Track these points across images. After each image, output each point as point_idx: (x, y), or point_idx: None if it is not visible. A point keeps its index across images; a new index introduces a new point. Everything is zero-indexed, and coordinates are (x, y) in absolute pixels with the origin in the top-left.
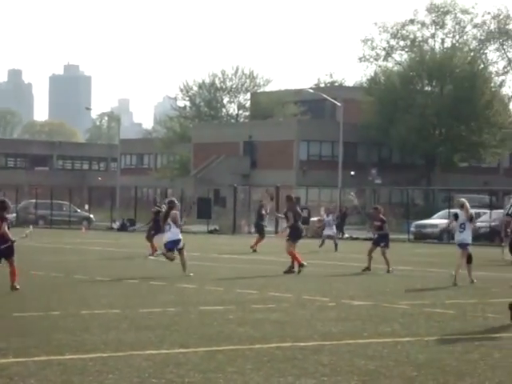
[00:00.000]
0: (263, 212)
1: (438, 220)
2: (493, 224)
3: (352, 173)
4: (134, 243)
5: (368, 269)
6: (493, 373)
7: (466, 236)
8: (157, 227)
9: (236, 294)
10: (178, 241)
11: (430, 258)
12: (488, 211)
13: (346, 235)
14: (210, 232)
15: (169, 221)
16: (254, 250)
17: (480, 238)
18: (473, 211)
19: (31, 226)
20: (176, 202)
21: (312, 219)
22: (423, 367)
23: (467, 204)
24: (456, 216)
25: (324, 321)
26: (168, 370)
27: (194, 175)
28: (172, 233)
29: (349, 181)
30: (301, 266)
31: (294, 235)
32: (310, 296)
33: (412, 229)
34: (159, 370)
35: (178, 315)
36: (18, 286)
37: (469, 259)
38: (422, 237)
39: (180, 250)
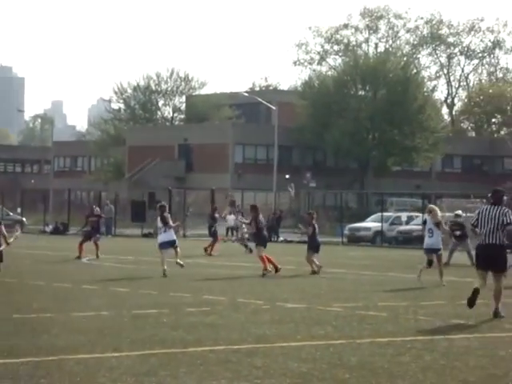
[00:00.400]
0: (216, 215)
1: (371, 223)
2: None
3: (287, 176)
4: (66, 247)
5: (315, 272)
6: (424, 375)
7: (435, 241)
8: (95, 231)
9: (170, 297)
10: (174, 241)
11: (363, 261)
12: (420, 215)
13: (281, 238)
14: (145, 235)
15: (160, 223)
16: (210, 254)
17: (412, 240)
18: (441, 216)
19: (19, 230)
20: (165, 204)
21: (246, 222)
22: (355, 369)
23: (436, 210)
24: (424, 222)
25: (258, 323)
26: (100, 374)
27: (129, 178)
28: (166, 234)
29: (284, 184)
30: (265, 270)
31: (262, 241)
32: (244, 299)
33: (345, 232)
34: (91, 374)
35: (111, 319)
36: None
37: (429, 263)
38: (355, 240)
39: (175, 249)
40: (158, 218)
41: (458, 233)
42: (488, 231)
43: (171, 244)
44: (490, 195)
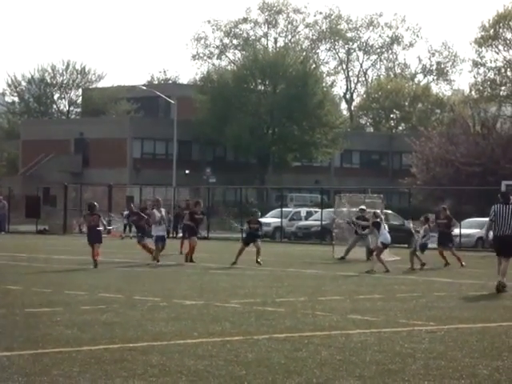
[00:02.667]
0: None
1: (271, 219)
2: (324, 223)
3: (186, 171)
4: None
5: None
6: (320, 370)
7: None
8: None
9: (64, 295)
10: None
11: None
12: (319, 210)
13: (180, 234)
14: (39, 232)
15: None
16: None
17: (311, 236)
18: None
19: None
20: (160, 200)
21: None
22: (252, 366)
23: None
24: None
25: (154, 321)
26: None
27: (23, 173)
28: (156, 230)
29: (183, 179)
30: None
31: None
32: (141, 296)
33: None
34: None
35: (3, 317)
36: None
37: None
38: None
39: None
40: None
41: (366, 231)
42: (505, 225)
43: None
44: (500, 196)
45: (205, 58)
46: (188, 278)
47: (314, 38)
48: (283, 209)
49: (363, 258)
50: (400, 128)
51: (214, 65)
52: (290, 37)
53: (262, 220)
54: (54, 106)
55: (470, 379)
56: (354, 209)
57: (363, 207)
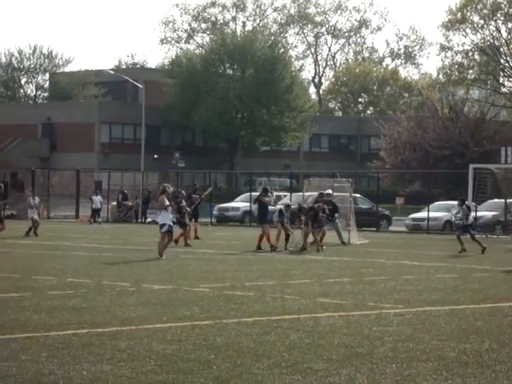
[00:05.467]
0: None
1: (240, 203)
2: (293, 207)
3: (155, 156)
4: None
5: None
6: (289, 353)
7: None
8: None
9: (32, 280)
10: (163, 225)
11: (231, 241)
12: (288, 194)
13: (149, 219)
14: (7, 217)
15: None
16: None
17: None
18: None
19: None
20: (167, 187)
21: (113, 203)
22: (220, 350)
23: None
24: None
25: (123, 306)
26: None
27: None
28: (162, 216)
29: (152, 164)
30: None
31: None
32: (109, 281)
33: (214, 212)
34: None
35: None
36: None
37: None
38: (224, 220)
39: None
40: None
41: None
42: None
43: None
44: None
45: (173, 42)
46: (157, 263)
47: (283, 21)
48: (252, 193)
49: (334, 242)
50: (368, 112)
51: (182, 49)
52: (258, 21)
53: (231, 204)
54: (22, 91)
55: (437, 362)
56: (316, 193)
57: (329, 191)
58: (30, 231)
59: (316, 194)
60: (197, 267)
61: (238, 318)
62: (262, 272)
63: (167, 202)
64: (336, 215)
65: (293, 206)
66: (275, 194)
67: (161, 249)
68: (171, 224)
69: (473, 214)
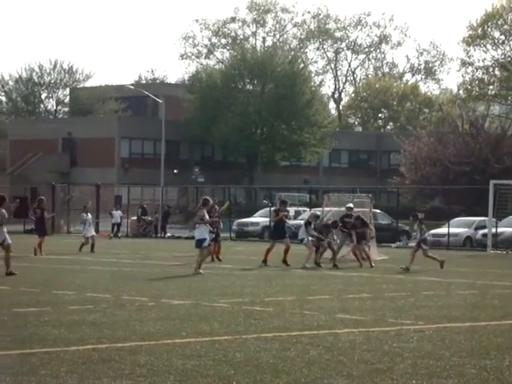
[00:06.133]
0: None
1: (260, 218)
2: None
3: (175, 171)
4: None
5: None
6: (309, 369)
7: None
8: None
9: (52, 295)
10: (203, 240)
11: (251, 256)
12: (308, 209)
13: (169, 234)
14: (27, 232)
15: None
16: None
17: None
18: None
19: None
20: (208, 199)
21: (132, 218)
22: (240, 365)
23: None
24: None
25: (143, 321)
26: None
27: (10, 173)
28: (200, 231)
29: (172, 179)
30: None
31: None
32: (129, 296)
33: (234, 227)
34: None
35: None
36: None
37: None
38: (243, 235)
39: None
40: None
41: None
42: None
43: (201, 242)
44: None
45: (193, 57)
46: (176, 278)
47: (303, 37)
48: (271, 208)
49: (352, 257)
50: (388, 127)
51: (202, 64)
52: (278, 36)
53: (251, 219)
54: (42, 106)
55: (457, 378)
56: (342, 208)
57: (350, 205)
58: (82, 247)
59: (335, 209)
60: (216, 282)
61: (258, 334)
62: (282, 287)
63: (207, 216)
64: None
65: (329, 221)
66: (293, 209)
67: (199, 264)
68: (209, 238)
69: (429, 231)
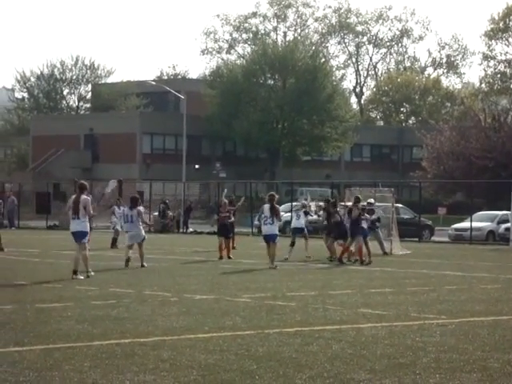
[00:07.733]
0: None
1: (282, 213)
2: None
3: (196, 166)
4: None
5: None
6: (331, 364)
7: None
8: None
9: (75, 290)
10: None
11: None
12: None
13: (191, 229)
14: (50, 227)
15: (268, 213)
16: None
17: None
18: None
19: None
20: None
21: (154, 214)
22: (263, 360)
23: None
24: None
25: (165, 316)
26: (2, 369)
27: (33, 169)
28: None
29: (193, 174)
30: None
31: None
32: (151, 291)
33: (256, 222)
34: None
35: (14, 313)
36: None
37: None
38: None
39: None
40: (268, 207)
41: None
42: None
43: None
44: None
45: (214, 52)
46: (198, 273)
47: (324, 31)
48: (293, 203)
49: (375, 252)
50: (410, 121)
51: (223, 59)
52: (299, 31)
53: None
54: (64, 102)
55: (481, 372)
56: (364, 203)
57: (371, 200)
58: (115, 242)
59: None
60: (238, 277)
61: (280, 328)
62: (304, 282)
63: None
64: (378, 224)
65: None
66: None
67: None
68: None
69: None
